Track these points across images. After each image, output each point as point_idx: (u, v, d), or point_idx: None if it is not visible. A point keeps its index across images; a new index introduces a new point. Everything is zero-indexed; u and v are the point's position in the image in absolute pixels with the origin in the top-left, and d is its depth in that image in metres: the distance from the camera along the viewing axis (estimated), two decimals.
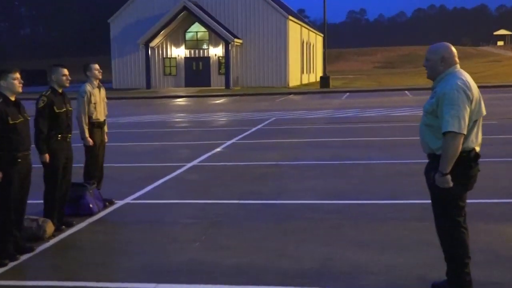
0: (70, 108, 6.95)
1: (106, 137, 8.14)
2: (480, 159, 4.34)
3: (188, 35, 47.07)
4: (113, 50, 48.52)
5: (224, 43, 44.27)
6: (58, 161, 6.74)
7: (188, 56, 47.25)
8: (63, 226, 6.86)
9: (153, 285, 5.01)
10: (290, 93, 38.20)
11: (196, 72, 47.12)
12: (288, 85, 45.69)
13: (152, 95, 39.78)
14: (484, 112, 4.39)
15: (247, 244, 6.10)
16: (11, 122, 5.66)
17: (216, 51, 46.24)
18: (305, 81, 54.55)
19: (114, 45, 48.34)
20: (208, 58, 46.90)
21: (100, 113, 7.86)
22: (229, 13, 45.38)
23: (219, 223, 6.96)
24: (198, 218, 7.22)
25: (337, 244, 5.99)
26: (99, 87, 7.88)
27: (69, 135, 6.92)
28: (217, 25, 43.95)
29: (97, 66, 7.85)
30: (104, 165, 10.84)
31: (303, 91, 40.50)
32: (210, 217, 7.26)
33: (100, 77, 7.90)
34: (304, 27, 55.37)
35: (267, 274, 5.17)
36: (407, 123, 17.30)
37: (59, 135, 6.75)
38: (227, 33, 43.88)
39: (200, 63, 47.14)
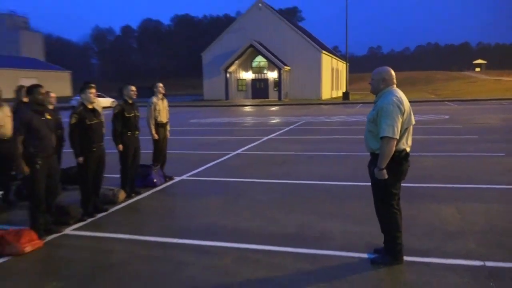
0: (137, 114, 6.77)
1: (168, 133, 7.90)
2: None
3: (254, 64, 46.61)
4: (204, 73, 48.75)
5: (277, 69, 43.66)
6: (128, 150, 6.60)
7: (254, 78, 46.86)
8: (133, 194, 6.72)
9: (175, 240, 4.74)
10: (321, 104, 37.28)
11: (259, 89, 46.72)
12: (321, 98, 44.62)
13: (229, 104, 39.70)
14: (413, 121, 3.87)
15: (252, 212, 5.74)
16: (88, 123, 5.52)
17: (272, 75, 45.61)
18: (334, 95, 53.15)
19: (205, 70, 48.62)
20: (267, 79, 46.37)
21: (163, 117, 7.65)
22: (281, 48, 44.55)
23: (240, 196, 6.62)
24: (227, 192, 6.89)
25: (316, 214, 5.54)
26: (162, 99, 7.67)
27: (137, 132, 6.74)
28: (273, 57, 43.35)
29: (161, 84, 7.65)
30: (176, 151, 10.75)
31: (330, 102, 39.37)
32: (236, 191, 6.93)
33: (163, 92, 7.69)
34: (334, 58, 53.94)
35: (258, 236, 4.80)
36: None
37: (129, 132, 6.59)
38: (280, 62, 43.20)
39: (262, 83, 46.65)
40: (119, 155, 6.62)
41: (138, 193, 6.78)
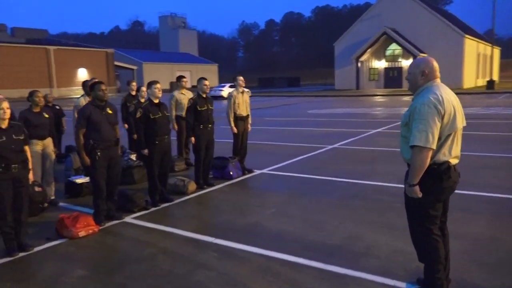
0: (211, 107, 6.66)
1: (249, 126, 7.67)
2: None
3: (388, 52, 43.66)
4: (336, 63, 47.52)
5: (413, 57, 40.11)
6: (200, 142, 6.56)
7: (387, 66, 43.95)
8: (205, 186, 6.67)
9: (211, 239, 4.50)
10: (460, 93, 33.08)
11: (392, 77, 43.70)
12: (462, 86, 39.73)
13: (358, 93, 38.01)
14: (459, 126, 2.92)
15: (305, 215, 5.18)
16: (151, 117, 5.59)
17: (407, 63, 42.09)
18: (479, 83, 46.84)
19: (337, 60, 47.34)
20: (401, 68, 43.01)
21: (243, 110, 7.44)
22: (418, 35, 40.89)
23: (304, 195, 6.07)
24: (295, 189, 6.40)
25: (373, 224, 4.75)
26: (242, 92, 7.45)
27: (210, 125, 6.64)
28: (408, 44, 40.02)
29: (241, 78, 7.42)
30: (272, 142, 10.54)
31: (471, 91, 34.76)
32: (304, 189, 6.39)
33: (243, 85, 7.45)
34: (481, 42, 47.40)
35: (295, 244, 4.27)
36: None
37: (201, 125, 6.53)
38: (414, 49, 39.65)
39: (395, 71, 43.53)
40: (192, 147, 6.64)
41: (211, 185, 6.71)
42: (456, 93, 3.05)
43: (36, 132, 5.85)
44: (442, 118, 2.83)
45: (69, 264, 4.00)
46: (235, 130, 7.38)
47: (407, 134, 2.98)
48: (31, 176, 4.46)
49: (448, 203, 3.18)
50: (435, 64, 3.03)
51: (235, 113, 7.36)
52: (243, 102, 7.42)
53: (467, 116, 13.50)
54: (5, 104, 4.17)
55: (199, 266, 3.86)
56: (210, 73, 77.20)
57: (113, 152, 5.13)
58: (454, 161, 2.95)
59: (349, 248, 4.13)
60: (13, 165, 4.16)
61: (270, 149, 9.86)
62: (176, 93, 7.93)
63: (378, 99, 30.86)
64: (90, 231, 4.78)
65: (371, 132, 12.29)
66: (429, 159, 2.83)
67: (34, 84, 42.51)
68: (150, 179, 5.78)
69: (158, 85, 5.66)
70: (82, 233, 4.69)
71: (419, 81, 3.02)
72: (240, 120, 7.42)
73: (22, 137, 4.31)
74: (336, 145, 10.21)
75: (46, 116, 6.01)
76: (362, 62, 44.03)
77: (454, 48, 39.72)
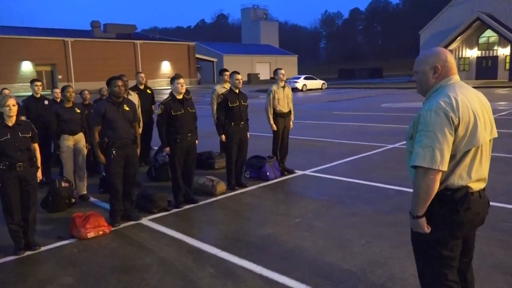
0: (244, 103, 6.20)
1: (291, 124, 7.10)
2: None
3: (481, 40, 39.48)
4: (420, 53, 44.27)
5: (511, 44, 35.93)
6: (232, 141, 6.14)
7: (480, 56, 39.78)
8: (237, 187, 6.26)
9: (217, 251, 4.08)
10: None
11: (485, 68, 39.49)
12: None
13: None
14: (482, 140, 2.14)
15: (331, 229, 4.53)
16: (173, 113, 5.29)
17: (504, 51, 37.75)
18: None
19: (422, 49, 43.98)
20: (496, 57, 38.67)
21: (283, 106, 6.87)
22: None
23: (341, 203, 5.39)
24: (333, 196, 5.72)
25: (405, 247, 3.94)
26: (283, 87, 6.88)
27: (242, 122, 6.18)
28: (505, 30, 35.76)
29: (282, 71, 6.86)
30: (324, 139, 9.84)
31: None
32: (343, 196, 5.69)
33: (284, 79, 6.88)
34: None
35: (303, 266, 3.69)
36: None
37: (232, 123, 6.11)
38: None
39: (489, 61, 39.29)
40: (223, 145, 6.26)
41: (243, 186, 6.28)
42: None
43: (68, 127, 5.87)
44: (456, 129, 2.08)
45: (63, 269, 3.83)
46: (274, 127, 6.85)
47: (412, 148, 2.27)
48: (39, 174, 4.38)
49: (474, 238, 2.40)
50: (449, 56, 2.26)
51: (275, 109, 6.82)
52: (284, 97, 6.85)
53: None
54: (11, 101, 4.11)
55: (188, 284, 3.46)
56: (289, 64, 76.50)
57: (130, 150, 4.92)
58: (476, 186, 2.18)
59: (365, 276, 3.45)
60: (18, 164, 4.10)
61: (322, 147, 9.16)
62: (217, 87, 7.59)
63: None
64: (100, 232, 4.62)
65: None
66: (437, 184, 2.11)
67: None
68: (173, 179, 5.52)
69: (181, 80, 5.34)
70: (91, 234, 4.55)
71: (430, 80, 2.27)
72: (280, 117, 6.86)
73: (29, 135, 4.23)
74: (396, 145, 9.19)
75: (78, 111, 6.00)
76: (450, 51, 40.21)
77: None
